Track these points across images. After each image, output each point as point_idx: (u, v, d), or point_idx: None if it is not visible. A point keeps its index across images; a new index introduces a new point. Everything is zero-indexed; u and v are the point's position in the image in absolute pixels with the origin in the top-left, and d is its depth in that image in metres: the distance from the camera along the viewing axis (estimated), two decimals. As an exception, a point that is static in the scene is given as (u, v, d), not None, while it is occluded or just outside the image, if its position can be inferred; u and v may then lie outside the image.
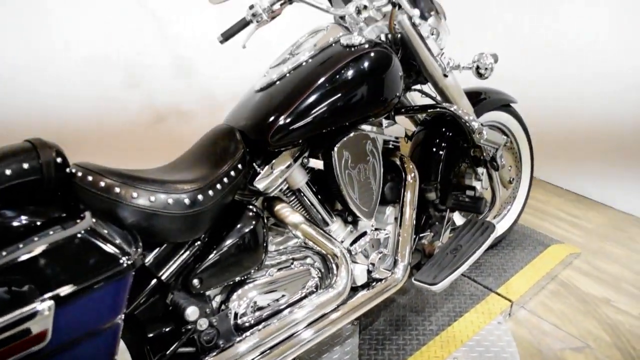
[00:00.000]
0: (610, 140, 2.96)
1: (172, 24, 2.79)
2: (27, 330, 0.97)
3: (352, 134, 1.66)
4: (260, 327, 1.52)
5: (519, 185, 2.55)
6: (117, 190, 1.22)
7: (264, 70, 1.77)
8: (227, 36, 1.95)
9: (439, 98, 2.01)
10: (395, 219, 1.90)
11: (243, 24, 1.93)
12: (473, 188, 2.16)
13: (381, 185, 1.80)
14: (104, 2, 2.55)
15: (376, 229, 1.85)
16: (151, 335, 1.38)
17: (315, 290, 1.68)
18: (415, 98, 2.14)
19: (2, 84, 2.37)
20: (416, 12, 1.79)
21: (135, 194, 1.24)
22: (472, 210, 2.03)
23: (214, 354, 1.44)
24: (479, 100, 2.18)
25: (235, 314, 1.52)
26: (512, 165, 2.28)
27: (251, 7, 1.87)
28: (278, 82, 1.63)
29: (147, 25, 2.71)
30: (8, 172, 1.05)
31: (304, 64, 1.65)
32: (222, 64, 2.74)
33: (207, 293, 1.48)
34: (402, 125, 1.97)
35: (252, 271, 1.53)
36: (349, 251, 1.73)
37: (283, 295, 1.63)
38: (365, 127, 1.75)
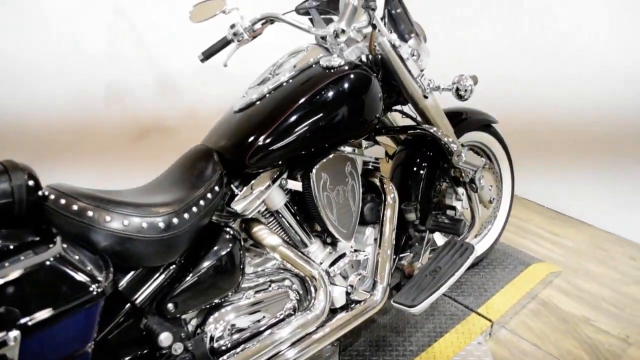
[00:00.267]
0: (591, 159, 2.99)
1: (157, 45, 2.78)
2: (-9, 362, 0.95)
3: (331, 156, 1.66)
4: (237, 350, 1.51)
5: (500, 204, 2.56)
6: (90, 213, 1.21)
7: (242, 91, 1.77)
8: (207, 55, 1.96)
9: (419, 118, 2.02)
10: (375, 239, 1.90)
11: (224, 43, 1.94)
12: (454, 208, 2.17)
13: (360, 207, 1.80)
14: (85, 18, 2.53)
15: (355, 250, 1.84)
16: None
17: (293, 312, 1.66)
18: (396, 118, 2.15)
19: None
20: (393, 37, 1.81)
21: (108, 218, 1.22)
22: (451, 231, 2.03)
23: (190, 378, 1.42)
24: (460, 120, 2.19)
25: (212, 338, 1.50)
26: (493, 184, 2.29)
27: (232, 26, 1.88)
28: (257, 103, 1.63)
29: (128, 41, 2.70)
30: None
31: (283, 85, 1.65)
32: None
33: (183, 317, 1.46)
34: (383, 145, 1.97)
35: (229, 294, 1.52)
36: (328, 273, 1.72)
37: (260, 318, 1.61)
38: (345, 149, 1.75)
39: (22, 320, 0.98)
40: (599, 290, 2.48)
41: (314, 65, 1.69)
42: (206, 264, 1.43)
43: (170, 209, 1.32)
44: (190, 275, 1.41)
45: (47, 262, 1.03)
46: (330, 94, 1.62)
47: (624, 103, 2.74)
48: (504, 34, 3.15)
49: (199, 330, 1.49)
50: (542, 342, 2.14)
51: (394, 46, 1.80)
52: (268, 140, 1.53)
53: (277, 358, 1.55)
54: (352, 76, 1.66)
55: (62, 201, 1.19)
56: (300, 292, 1.69)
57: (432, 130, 1.93)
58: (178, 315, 1.43)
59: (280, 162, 1.59)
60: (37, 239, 1.11)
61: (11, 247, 1.05)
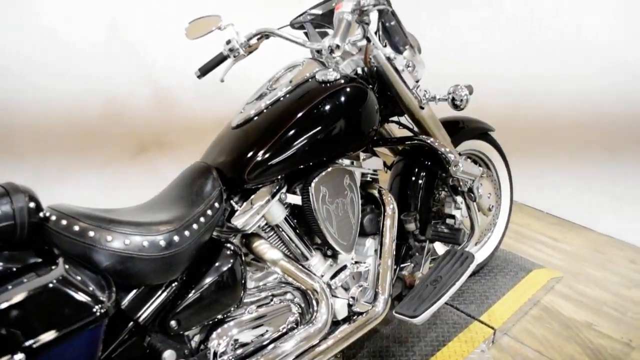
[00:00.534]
0: (588, 163, 3.00)
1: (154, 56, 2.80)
2: (-4, 385, 0.95)
3: (329, 169, 1.67)
4: (240, 365, 1.51)
5: (499, 211, 2.57)
6: (92, 234, 1.21)
7: (240, 106, 1.78)
8: (204, 71, 1.97)
9: (416, 129, 2.03)
10: (375, 251, 1.90)
11: (220, 59, 1.95)
12: (453, 217, 2.17)
13: (360, 218, 1.80)
14: (80, 33, 2.55)
15: (356, 262, 1.84)
16: None
17: (296, 326, 1.66)
18: (393, 129, 2.17)
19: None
20: (388, 50, 1.82)
21: (109, 237, 1.23)
22: (451, 241, 2.04)
23: (194, 394, 1.42)
24: (457, 129, 2.20)
25: (215, 354, 1.50)
26: (492, 192, 2.30)
27: (228, 42, 1.90)
28: (255, 119, 1.64)
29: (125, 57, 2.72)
30: None
31: (280, 100, 1.66)
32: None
33: (186, 333, 1.46)
34: (381, 156, 1.98)
35: (231, 309, 1.52)
36: (329, 285, 1.73)
37: (263, 333, 1.61)
38: (343, 162, 1.76)
39: (27, 343, 0.98)
40: (600, 294, 2.49)
41: (310, 80, 1.70)
42: (208, 280, 1.43)
43: (171, 227, 1.33)
44: (193, 292, 1.41)
45: (50, 284, 1.04)
46: (327, 107, 1.63)
47: (620, 107, 2.76)
48: (500, 39, 3.18)
49: (202, 347, 1.50)
50: (545, 348, 2.15)
51: (388, 58, 1.82)
52: (266, 156, 1.54)
53: (280, 372, 1.55)
54: (348, 90, 1.68)
55: (64, 222, 1.20)
56: (302, 305, 1.69)
57: (429, 141, 1.94)
58: (181, 332, 1.43)
59: (279, 177, 1.60)
60: (40, 260, 1.12)
61: (14, 269, 1.06)
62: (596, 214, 3.03)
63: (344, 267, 1.79)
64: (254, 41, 1.92)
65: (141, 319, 1.35)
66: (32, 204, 1.12)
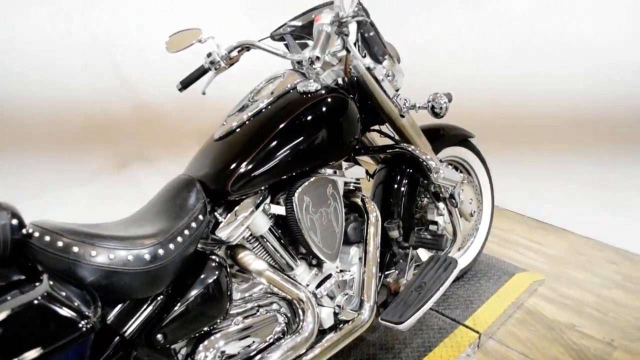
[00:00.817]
0: (568, 166, 3.06)
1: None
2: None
3: (312, 179, 1.68)
4: (227, 376, 1.51)
5: (481, 217, 2.60)
6: (76, 249, 1.21)
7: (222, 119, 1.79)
8: (185, 84, 1.98)
9: (397, 137, 2.06)
10: (360, 259, 1.91)
11: (201, 72, 1.97)
12: (436, 223, 2.20)
13: (344, 227, 1.82)
14: (62, 48, 2.55)
15: (341, 271, 1.85)
16: None
17: (282, 336, 1.67)
18: (375, 137, 2.19)
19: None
20: (367, 60, 1.85)
21: (94, 252, 1.23)
22: (434, 247, 2.06)
23: (181, 408, 1.42)
24: (437, 136, 2.23)
25: (202, 366, 1.51)
26: (473, 198, 2.33)
27: (209, 54, 1.91)
28: (237, 130, 1.65)
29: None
30: None
31: (262, 111, 1.67)
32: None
33: (173, 347, 1.46)
34: (363, 165, 2.00)
35: (218, 321, 1.52)
36: (315, 295, 1.73)
37: (250, 344, 1.61)
38: (326, 171, 1.77)
39: (13, 361, 0.98)
40: (581, 295, 2.52)
41: (291, 91, 1.72)
42: (193, 292, 1.43)
43: (155, 240, 1.33)
44: (178, 305, 1.41)
45: (35, 301, 1.03)
46: (309, 118, 1.65)
47: (598, 112, 2.82)
48: (479, 41, 3.23)
49: (189, 359, 1.49)
50: (530, 350, 2.17)
51: (368, 68, 1.84)
52: (249, 167, 1.55)
53: (267, 382, 1.56)
54: (329, 100, 1.70)
55: (47, 238, 1.19)
56: (289, 315, 1.70)
57: (410, 149, 1.96)
58: (168, 346, 1.42)
59: (262, 188, 1.61)
60: (23, 277, 1.11)
61: (-3, 286, 1.06)
62: (576, 216, 3.08)
63: (329, 276, 1.80)
64: (234, 53, 1.94)
65: (127, 333, 1.35)
66: (14, 221, 1.11)
